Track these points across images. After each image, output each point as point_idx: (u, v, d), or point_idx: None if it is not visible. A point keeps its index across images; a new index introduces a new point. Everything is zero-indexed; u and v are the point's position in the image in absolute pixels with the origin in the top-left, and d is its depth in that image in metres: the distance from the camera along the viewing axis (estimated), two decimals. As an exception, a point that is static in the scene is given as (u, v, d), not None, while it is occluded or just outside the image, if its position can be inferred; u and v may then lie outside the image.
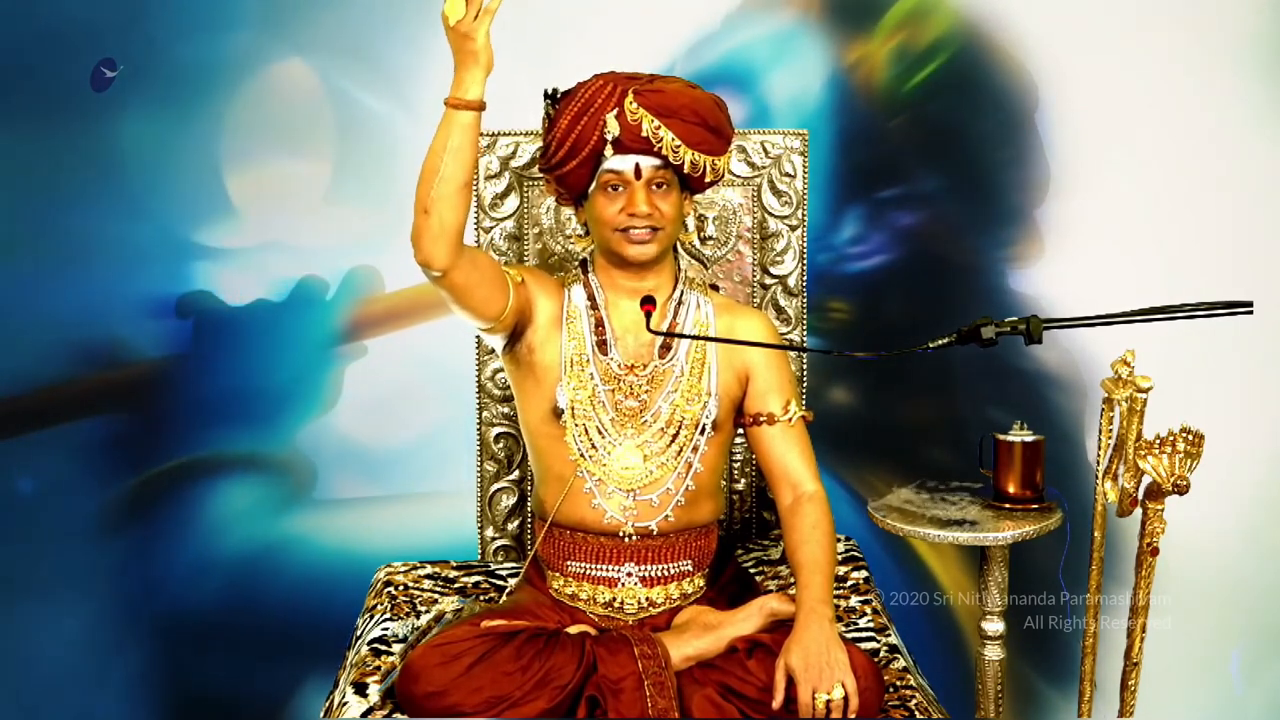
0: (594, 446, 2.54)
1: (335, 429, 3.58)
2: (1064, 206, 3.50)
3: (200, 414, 3.57)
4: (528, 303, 2.53)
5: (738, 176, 2.95)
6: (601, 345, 2.56)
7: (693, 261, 2.97)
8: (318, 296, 3.56)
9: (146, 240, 3.50)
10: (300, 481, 3.60)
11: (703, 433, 2.55)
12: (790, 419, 2.57)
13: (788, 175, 2.95)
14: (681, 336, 2.56)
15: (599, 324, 2.57)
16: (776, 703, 2.32)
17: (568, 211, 2.91)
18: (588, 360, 2.55)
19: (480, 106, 2.31)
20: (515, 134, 2.91)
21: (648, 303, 2.48)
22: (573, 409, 2.53)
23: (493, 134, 2.91)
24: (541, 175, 2.64)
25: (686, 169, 2.48)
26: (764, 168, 2.96)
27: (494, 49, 2.26)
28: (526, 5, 3.46)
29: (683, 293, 2.60)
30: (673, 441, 2.55)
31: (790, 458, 2.56)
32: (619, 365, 2.56)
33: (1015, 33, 3.45)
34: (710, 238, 2.97)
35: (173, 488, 3.59)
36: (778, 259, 2.97)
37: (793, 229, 2.97)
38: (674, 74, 2.70)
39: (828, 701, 2.28)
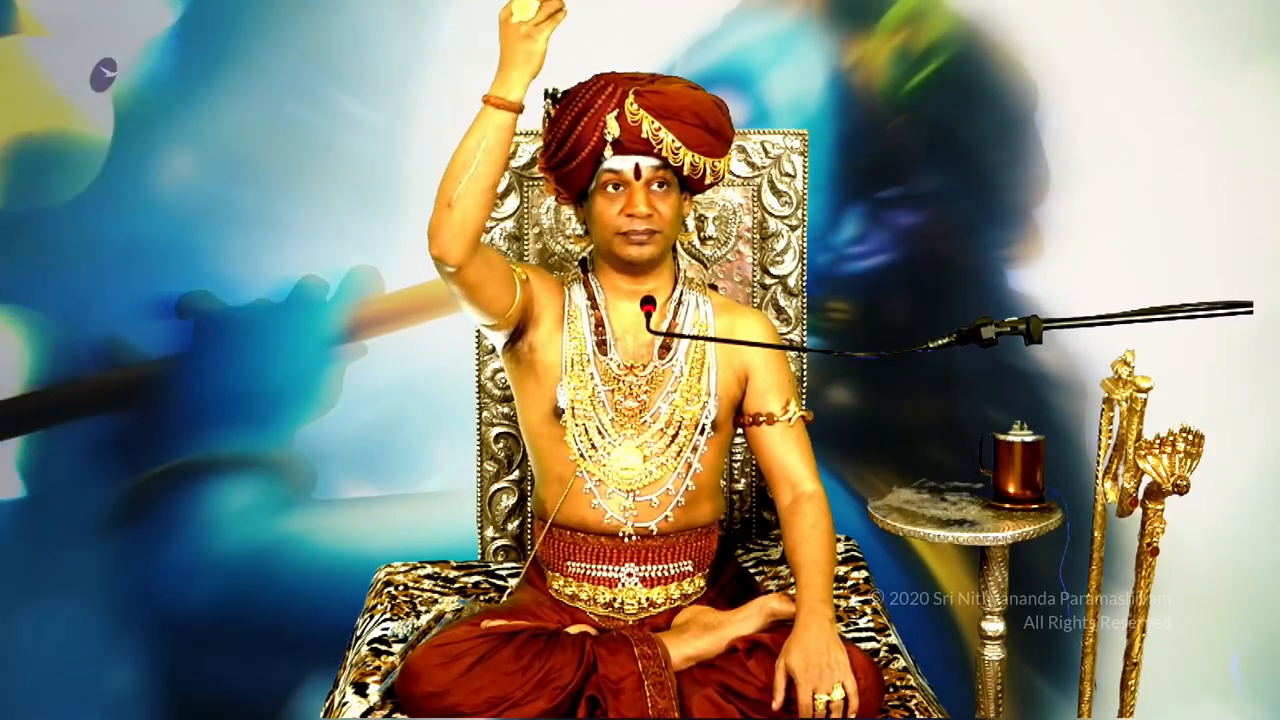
0: (594, 447, 2.54)
1: (335, 429, 3.58)
2: (1063, 206, 3.50)
3: (200, 414, 3.57)
4: (532, 300, 2.54)
5: (738, 176, 2.95)
6: (601, 345, 2.56)
7: (693, 261, 2.97)
8: (318, 296, 3.56)
9: (146, 240, 3.50)
10: (300, 481, 3.60)
11: (702, 433, 2.55)
12: (790, 419, 2.57)
13: (788, 175, 2.95)
14: (681, 336, 2.56)
15: (599, 324, 2.57)
16: (777, 703, 2.32)
17: (568, 211, 2.91)
18: (588, 360, 2.55)
19: (520, 109, 2.31)
20: (515, 134, 2.90)
21: (648, 303, 2.48)
22: (573, 409, 2.53)
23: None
24: (542, 175, 2.64)
25: (686, 170, 2.48)
26: (764, 168, 2.96)
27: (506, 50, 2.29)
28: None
29: (682, 293, 2.60)
30: (672, 442, 2.55)
31: (790, 458, 2.56)
32: (619, 365, 2.56)
33: (1014, 33, 3.45)
34: (710, 238, 2.97)
35: (173, 487, 3.59)
36: (778, 259, 2.97)
37: (793, 229, 2.97)
38: (674, 74, 2.70)
39: (828, 702, 2.28)
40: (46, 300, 3.51)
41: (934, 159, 3.54)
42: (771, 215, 2.96)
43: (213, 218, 3.51)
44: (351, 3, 3.51)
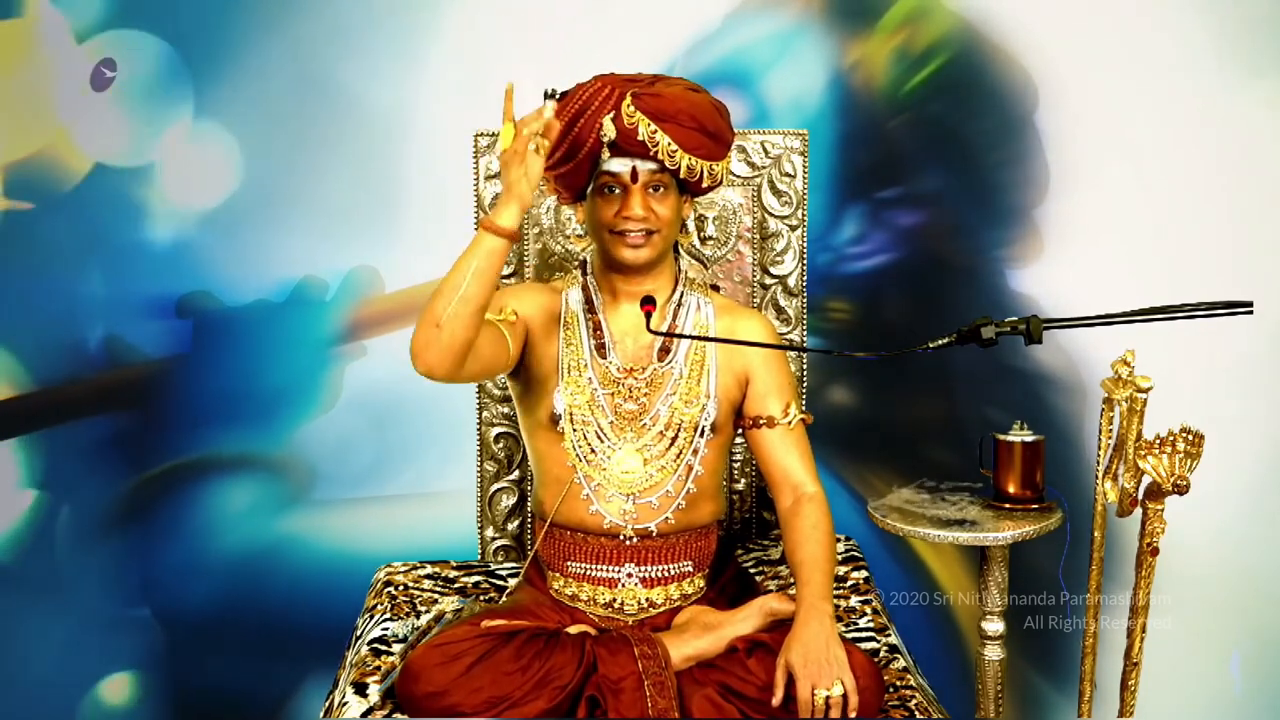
0: (593, 451, 2.53)
1: (335, 429, 3.58)
2: (1064, 206, 3.50)
3: (200, 414, 3.57)
4: (528, 332, 2.53)
5: (738, 176, 2.95)
6: (600, 349, 2.55)
7: (693, 262, 2.97)
8: (318, 296, 3.56)
9: (146, 240, 3.50)
10: (300, 481, 3.60)
11: (702, 435, 2.55)
12: (790, 422, 2.57)
13: (788, 175, 2.95)
14: (681, 336, 2.56)
15: (597, 328, 2.56)
16: (776, 700, 2.32)
17: (568, 211, 2.91)
18: (585, 365, 2.55)
19: (510, 236, 2.31)
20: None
21: (648, 303, 2.47)
22: (571, 414, 2.53)
23: (493, 134, 2.91)
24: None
25: (683, 174, 2.47)
26: (764, 168, 2.96)
27: (528, 175, 2.30)
28: (528, 5, 3.47)
29: (682, 294, 2.60)
30: (672, 444, 2.54)
31: (790, 460, 2.56)
32: (618, 369, 2.55)
33: (1014, 33, 3.45)
34: (710, 238, 2.97)
35: (173, 487, 3.59)
36: (778, 259, 2.97)
37: (793, 229, 2.97)
38: (674, 74, 2.69)
39: (827, 698, 2.28)
40: (47, 300, 3.50)
41: (934, 159, 3.54)
42: (771, 215, 2.96)
43: (213, 218, 3.51)
44: (350, 3, 3.50)
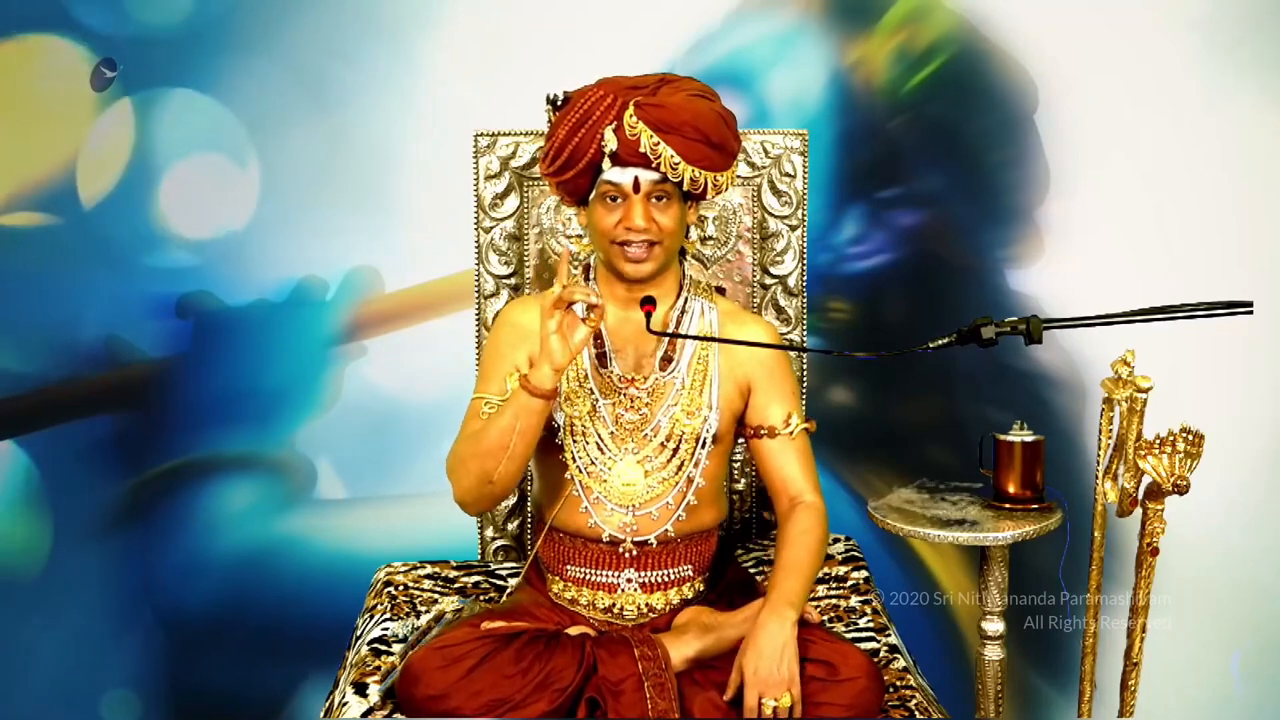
0: (593, 462, 2.52)
1: (335, 429, 3.58)
2: (1064, 206, 3.50)
3: (200, 414, 3.57)
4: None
5: (738, 177, 2.95)
6: (601, 358, 2.53)
7: (692, 261, 2.96)
8: (317, 296, 3.56)
9: (147, 240, 3.50)
10: (300, 481, 3.60)
11: (703, 447, 2.53)
12: (791, 432, 2.55)
13: (788, 175, 2.95)
14: (680, 336, 2.54)
15: (597, 336, 2.54)
16: (727, 696, 2.33)
17: (569, 211, 2.91)
18: (585, 375, 2.53)
19: (547, 395, 2.34)
20: (515, 134, 2.91)
21: (648, 303, 2.43)
22: (571, 425, 2.51)
23: (493, 134, 2.91)
24: (543, 177, 2.63)
25: (686, 185, 2.43)
26: (764, 168, 2.95)
27: (569, 343, 2.33)
28: (528, 5, 3.47)
29: (686, 300, 2.57)
30: (673, 456, 2.52)
31: (790, 470, 2.53)
32: (619, 378, 2.53)
33: (1015, 33, 3.45)
34: (710, 238, 2.97)
35: (173, 487, 3.59)
36: (778, 259, 2.97)
37: (793, 229, 2.97)
38: (674, 74, 2.67)
39: (774, 708, 2.28)
40: (47, 300, 3.51)
41: (934, 159, 3.54)
42: (771, 215, 2.96)
43: (213, 218, 3.51)
44: (351, 4, 3.50)
